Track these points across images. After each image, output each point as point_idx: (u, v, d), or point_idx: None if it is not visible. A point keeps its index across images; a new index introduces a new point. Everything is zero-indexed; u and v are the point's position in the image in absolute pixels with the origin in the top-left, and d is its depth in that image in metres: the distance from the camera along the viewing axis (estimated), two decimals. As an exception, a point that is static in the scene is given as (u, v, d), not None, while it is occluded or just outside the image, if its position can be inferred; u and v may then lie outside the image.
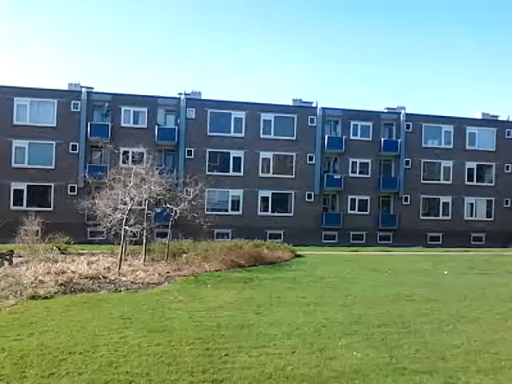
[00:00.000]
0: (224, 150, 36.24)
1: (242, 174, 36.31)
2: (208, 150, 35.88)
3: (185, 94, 36.39)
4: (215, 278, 17.57)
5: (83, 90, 34.70)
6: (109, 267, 17.91)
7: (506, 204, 40.00)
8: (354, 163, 37.70)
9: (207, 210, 32.26)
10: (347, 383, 7.34)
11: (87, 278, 15.66)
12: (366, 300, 13.96)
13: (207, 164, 35.83)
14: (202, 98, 36.89)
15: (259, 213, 36.29)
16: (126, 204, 19.87)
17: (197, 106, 35.97)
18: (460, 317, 12.06)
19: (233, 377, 7.46)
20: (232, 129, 36.50)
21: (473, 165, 39.50)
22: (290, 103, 38.06)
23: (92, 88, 35.57)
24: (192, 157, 35.47)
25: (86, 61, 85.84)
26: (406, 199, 38.19)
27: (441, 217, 38.90)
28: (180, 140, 35.32)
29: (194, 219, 22.50)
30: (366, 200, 37.77)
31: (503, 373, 8.05)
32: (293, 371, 7.75)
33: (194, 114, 35.83)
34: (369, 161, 37.82)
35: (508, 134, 40.12)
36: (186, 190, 25.36)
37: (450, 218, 38.90)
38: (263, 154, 36.48)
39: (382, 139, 37.82)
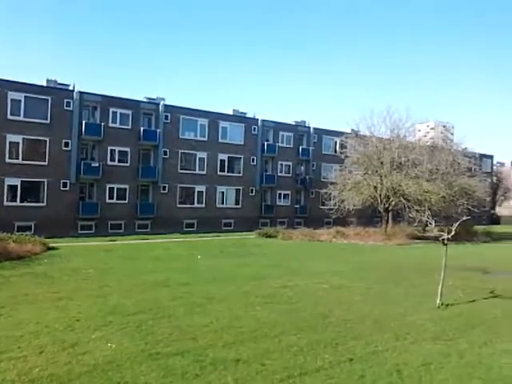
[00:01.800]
0: (-40, 131, 31.24)
1: (-17, 159, 31.93)
2: None
3: None
4: None
5: None
6: None
7: (251, 192, 44.60)
8: (112, 151, 36.83)
9: None
10: (100, 376, 7.22)
11: None
12: (122, 289, 13.92)
13: None
14: None
15: (6, 203, 32.48)
16: None
17: None
18: (210, 298, 13.03)
19: (-35, 391, 6.59)
20: (-30, 107, 31.68)
21: (224, 157, 42.81)
22: (44, 83, 35.02)
23: None
24: None
25: None
26: (164, 188, 39.20)
27: (196, 205, 41.13)
28: None
29: None
30: (125, 189, 37.40)
31: (244, 344, 9.02)
32: (40, 373, 7.25)
33: None
34: (128, 149, 37.47)
35: (254, 130, 44.66)
36: None
37: (203, 205, 41.43)
38: (11, 138, 32.66)
39: (142, 128, 37.90)
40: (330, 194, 40.98)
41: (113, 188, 36.91)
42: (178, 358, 8.07)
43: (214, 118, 42.09)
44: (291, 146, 46.91)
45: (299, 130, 48.08)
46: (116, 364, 7.70)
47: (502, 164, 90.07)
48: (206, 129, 41.66)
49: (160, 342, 8.88)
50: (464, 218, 15.69)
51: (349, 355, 8.55)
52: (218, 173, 42.32)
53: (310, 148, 47.76)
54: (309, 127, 48.75)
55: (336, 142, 47.28)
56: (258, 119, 45.10)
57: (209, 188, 41.67)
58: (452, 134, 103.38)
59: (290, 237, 34.45)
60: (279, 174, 46.06)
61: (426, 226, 29.68)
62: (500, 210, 79.74)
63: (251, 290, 14.36)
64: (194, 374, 7.40)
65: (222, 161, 42.68)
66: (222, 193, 42.85)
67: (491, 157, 69.41)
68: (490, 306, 12.87)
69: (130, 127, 37.55)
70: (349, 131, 42.60)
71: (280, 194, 46.52)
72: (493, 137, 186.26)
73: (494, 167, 75.97)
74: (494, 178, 74.86)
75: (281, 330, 10.00)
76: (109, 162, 36.54)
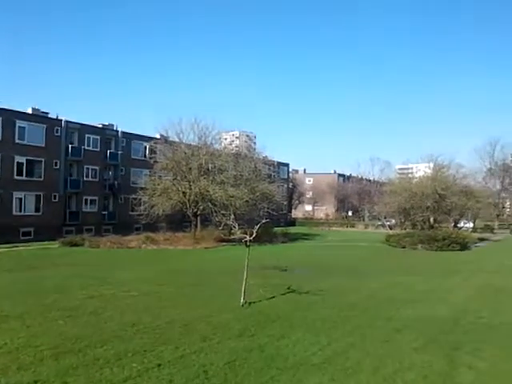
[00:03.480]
0: None
1: None
2: None
3: None
4: None
5: None
6: None
7: (54, 199, 41.36)
8: None
9: None
10: None
11: None
12: None
13: None
14: None
15: None
16: None
17: None
18: (4, 316, 11.81)
19: None
20: None
21: (22, 159, 38.80)
22: None
23: None
24: None
25: None
26: None
27: (-13, 213, 36.57)
28: None
29: None
30: None
31: (44, 363, 8.36)
32: None
33: None
34: None
35: (57, 132, 41.54)
36: None
37: (-3, 213, 37.09)
38: None
39: None
40: (140, 199, 40.30)
41: None
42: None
43: (10, 116, 37.97)
44: (98, 149, 44.91)
45: (107, 134, 46.32)
46: None
47: (296, 171, 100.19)
48: (0, 128, 37.39)
49: None
50: (264, 221, 16.98)
51: (157, 361, 8.58)
52: (15, 177, 38.23)
53: (119, 152, 46.38)
54: (117, 131, 47.33)
55: (146, 147, 46.78)
56: (61, 120, 42.14)
57: (3, 194, 37.34)
58: (255, 143, 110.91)
59: (98, 245, 32.97)
60: (85, 179, 43.67)
61: (231, 229, 31.33)
62: (295, 213, 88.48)
63: (53, 303, 13.39)
64: (-19, 405, 6.61)
65: (20, 164, 38.70)
66: (20, 199, 38.84)
67: (287, 165, 76.42)
68: (287, 301, 14.19)
69: None
70: (158, 136, 42.62)
71: (86, 200, 44.14)
72: (288, 146, 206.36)
73: (290, 174, 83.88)
74: (290, 184, 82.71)
75: (86, 343, 9.54)
76: None
